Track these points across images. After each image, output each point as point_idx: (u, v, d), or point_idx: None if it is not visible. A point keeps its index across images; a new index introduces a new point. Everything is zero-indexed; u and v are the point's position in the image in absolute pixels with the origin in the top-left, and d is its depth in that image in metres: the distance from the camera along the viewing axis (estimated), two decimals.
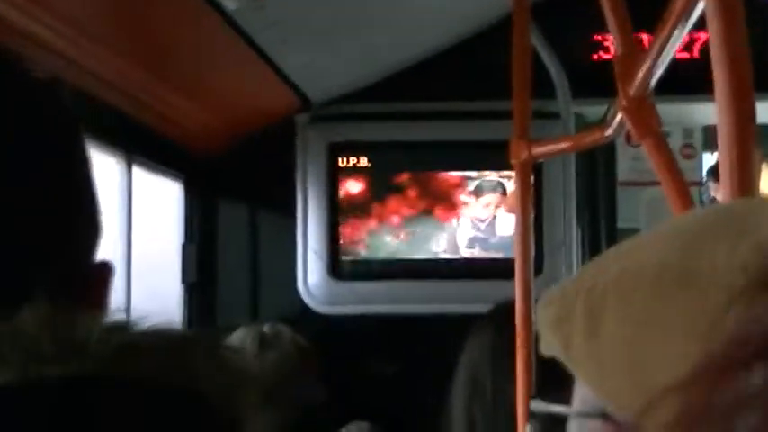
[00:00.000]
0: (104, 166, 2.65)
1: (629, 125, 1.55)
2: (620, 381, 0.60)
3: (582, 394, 0.66)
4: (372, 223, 3.31)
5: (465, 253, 3.31)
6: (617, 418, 0.61)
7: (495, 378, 2.11)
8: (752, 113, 0.92)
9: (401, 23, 2.91)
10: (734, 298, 0.53)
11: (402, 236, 3.31)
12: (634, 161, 3.56)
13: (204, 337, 0.72)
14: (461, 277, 3.30)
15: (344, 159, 3.30)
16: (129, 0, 2.07)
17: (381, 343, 3.35)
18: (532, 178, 2.28)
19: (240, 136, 3.21)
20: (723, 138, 0.92)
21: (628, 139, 3.40)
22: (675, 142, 3.60)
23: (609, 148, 3.51)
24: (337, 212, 3.31)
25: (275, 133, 3.26)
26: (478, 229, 3.30)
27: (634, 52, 1.50)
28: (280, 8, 2.34)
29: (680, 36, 1.20)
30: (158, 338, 0.69)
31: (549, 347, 0.66)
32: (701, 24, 1.08)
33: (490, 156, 3.19)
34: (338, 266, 3.31)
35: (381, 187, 3.31)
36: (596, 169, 3.63)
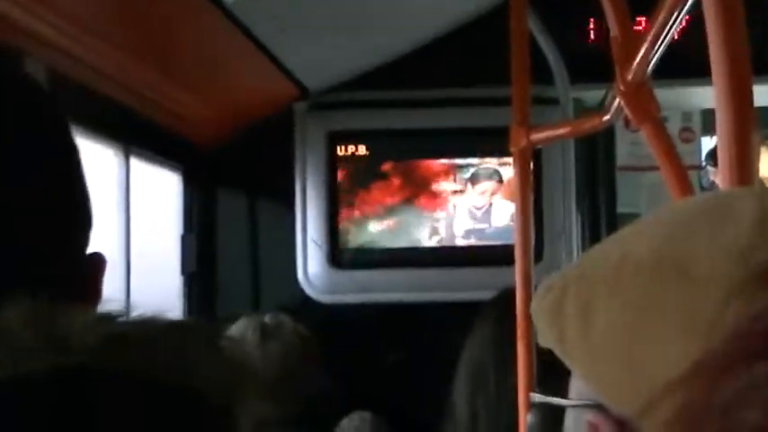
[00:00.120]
0: (103, 158, 2.64)
1: (627, 110, 1.54)
2: (612, 373, 0.59)
3: (577, 386, 0.66)
4: (356, 212, 3.31)
5: (461, 243, 3.31)
6: (612, 410, 0.61)
7: (498, 366, 2.11)
8: (750, 97, 0.91)
9: (398, 10, 2.90)
10: (733, 292, 0.53)
11: (386, 224, 3.30)
12: (633, 146, 3.55)
13: (195, 326, 0.71)
14: (463, 265, 3.29)
15: (343, 148, 3.29)
16: None
17: (382, 332, 3.35)
18: (531, 165, 2.28)
19: (238, 126, 3.20)
20: (722, 123, 0.92)
21: (627, 123, 3.39)
22: (674, 126, 3.59)
23: (608, 133, 3.50)
24: (337, 201, 3.30)
25: (274, 123, 3.26)
26: (475, 218, 3.30)
27: (631, 37, 1.49)
28: None
29: (678, 20, 1.19)
30: (145, 328, 0.69)
31: (546, 339, 0.66)
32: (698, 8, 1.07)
33: (489, 142, 3.18)
34: (338, 255, 3.31)
35: (368, 175, 3.30)
36: (596, 155, 3.62)
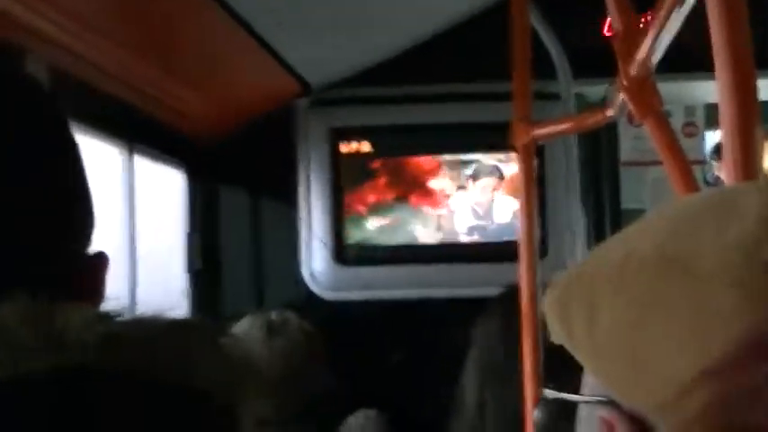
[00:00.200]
0: (107, 156, 2.64)
1: (630, 105, 1.54)
2: (619, 370, 0.59)
3: (590, 381, 0.66)
4: (357, 208, 3.31)
5: (464, 240, 3.31)
6: (624, 406, 0.61)
7: (507, 361, 2.11)
8: (754, 91, 0.91)
9: (400, 5, 2.90)
10: (739, 287, 0.53)
11: (386, 221, 3.30)
12: (636, 141, 3.54)
13: (196, 325, 0.71)
14: (467, 261, 3.29)
15: (345, 144, 3.29)
16: None
17: (387, 328, 3.35)
18: (535, 160, 2.27)
19: (241, 123, 3.20)
20: (725, 117, 0.92)
21: (630, 118, 3.38)
22: (677, 121, 3.59)
23: (611, 128, 3.50)
24: (341, 198, 3.30)
25: (276, 119, 3.26)
26: (477, 214, 3.30)
27: (634, 31, 1.48)
28: None
29: (682, 14, 1.19)
30: (145, 327, 0.68)
31: (557, 336, 0.66)
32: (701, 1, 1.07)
33: (492, 138, 3.18)
34: (343, 252, 3.31)
35: (369, 171, 3.30)
36: (599, 150, 3.62)
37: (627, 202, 3.61)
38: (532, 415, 2.00)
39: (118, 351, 0.66)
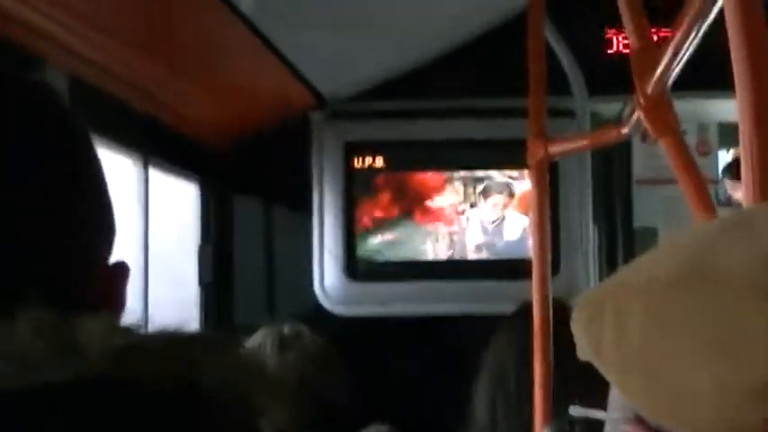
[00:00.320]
0: (121, 167, 2.65)
1: (646, 123, 1.54)
2: (647, 385, 0.60)
3: (616, 398, 0.66)
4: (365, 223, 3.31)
5: (474, 256, 3.31)
6: (650, 422, 0.61)
7: (520, 377, 2.11)
8: None
9: (416, 21, 2.91)
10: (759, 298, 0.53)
11: (393, 237, 3.31)
12: (650, 158, 3.54)
13: (213, 338, 0.71)
14: (477, 278, 3.29)
15: (360, 159, 3.29)
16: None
17: (398, 344, 3.35)
18: (548, 177, 2.27)
19: (255, 134, 3.20)
20: (745, 136, 0.92)
21: (643, 136, 3.38)
22: (691, 139, 3.58)
23: (624, 146, 3.49)
24: (353, 212, 3.30)
25: (290, 132, 3.26)
26: (486, 232, 3.30)
27: (651, 48, 1.49)
28: (294, 5, 2.34)
29: (699, 32, 1.19)
30: (163, 341, 0.69)
31: (584, 352, 0.66)
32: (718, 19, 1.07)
33: (506, 154, 3.18)
34: (354, 267, 3.31)
35: (368, 188, 3.31)
36: (612, 167, 3.61)
37: (639, 221, 3.61)
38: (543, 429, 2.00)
39: (137, 363, 0.66)
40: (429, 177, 3.30)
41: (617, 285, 0.64)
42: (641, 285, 0.61)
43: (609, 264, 3.58)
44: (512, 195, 3.30)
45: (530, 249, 3.18)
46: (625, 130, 1.76)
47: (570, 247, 3.23)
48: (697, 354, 0.55)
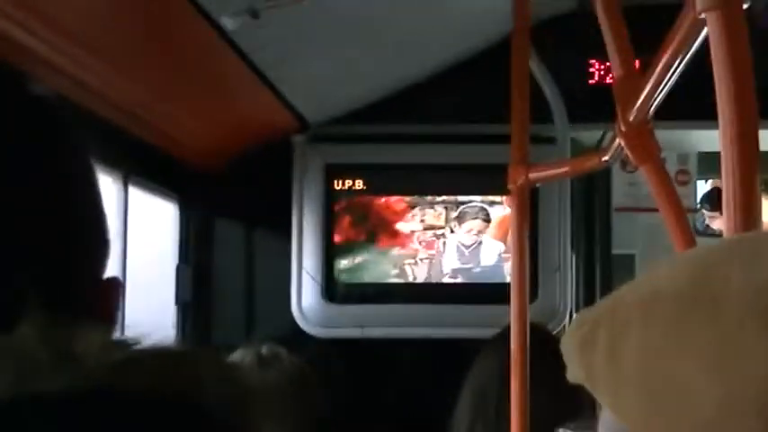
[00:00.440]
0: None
1: (627, 150, 1.55)
2: (641, 407, 0.60)
3: (607, 419, 0.66)
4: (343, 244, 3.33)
5: (450, 281, 3.31)
6: None
7: (501, 401, 2.12)
8: (756, 141, 0.92)
9: (400, 45, 2.92)
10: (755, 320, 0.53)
11: (352, 260, 3.32)
12: (630, 186, 3.56)
13: (208, 353, 0.72)
14: (455, 302, 3.29)
15: (340, 182, 3.29)
16: (128, 18, 2.07)
17: (376, 366, 3.34)
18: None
19: (237, 156, 3.21)
20: (728, 167, 0.92)
21: (623, 164, 3.40)
22: (670, 168, 3.60)
23: (605, 173, 3.51)
24: (333, 235, 3.30)
25: (271, 154, 3.26)
26: (463, 255, 3.30)
27: (634, 77, 1.50)
28: (278, 29, 2.34)
29: (682, 61, 1.20)
30: (162, 355, 0.69)
31: (575, 375, 0.66)
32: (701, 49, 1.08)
33: (486, 179, 3.19)
34: (332, 289, 3.31)
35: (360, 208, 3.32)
36: (592, 195, 3.63)
37: (618, 247, 3.62)
38: None
39: (135, 376, 0.66)
40: (394, 202, 3.31)
41: (612, 306, 0.64)
42: (638, 307, 0.61)
43: (587, 290, 3.59)
44: (487, 220, 3.30)
45: (506, 274, 3.20)
46: (606, 158, 1.77)
47: (549, 272, 3.24)
48: (697, 375, 0.55)
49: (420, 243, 3.30)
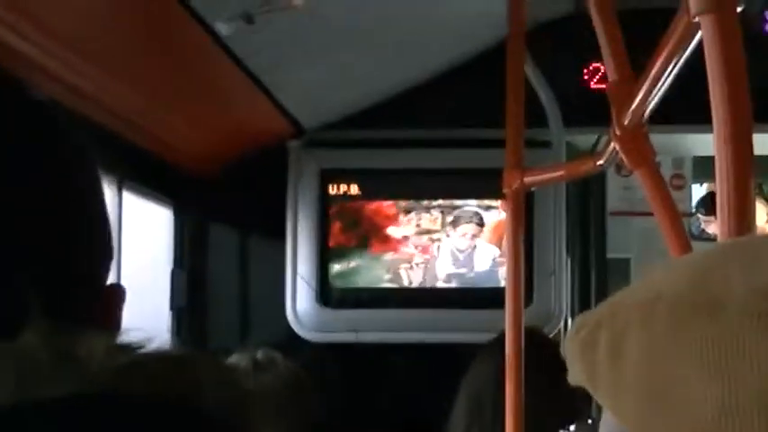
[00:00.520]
0: None
1: (622, 154, 1.55)
2: (642, 410, 0.60)
3: (608, 421, 0.66)
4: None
5: (444, 285, 3.31)
6: None
7: (497, 406, 2.12)
8: (750, 145, 0.92)
9: (394, 50, 2.92)
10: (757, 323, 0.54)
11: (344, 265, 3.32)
12: (625, 191, 3.56)
13: (207, 357, 0.72)
14: (450, 306, 3.29)
15: (335, 186, 3.29)
16: (122, 23, 2.07)
17: (370, 371, 3.34)
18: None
19: (232, 161, 3.20)
20: (722, 171, 0.92)
21: (618, 168, 3.41)
22: (665, 172, 3.60)
23: (600, 178, 3.52)
24: (327, 240, 3.30)
25: (267, 159, 3.26)
26: (457, 260, 3.30)
27: (629, 81, 1.50)
28: (273, 34, 2.34)
29: (677, 65, 1.20)
30: (165, 360, 0.69)
31: (576, 377, 0.66)
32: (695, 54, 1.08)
33: (481, 184, 3.19)
34: (327, 294, 3.31)
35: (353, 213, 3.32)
36: (587, 199, 3.63)
37: (613, 251, 3.63)
38: None
39: (138, 380, 0.66)
40: (385, 207, 3.31)
41: (612, 309, 0.64)
42: (638, 309, 0.61)
43: (582, 294, 3.59)
44: (481, 225, 3.30)
45: (500, 279, 3.20)
46: (601, 162, 1.77)
47: (544, 276, 3.24)
48: (698, 377, 0.55)
49: (416, 248, 3.30)
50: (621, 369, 0.61)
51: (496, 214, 3.26)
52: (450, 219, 3.30)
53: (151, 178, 2.97)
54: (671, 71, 1.23)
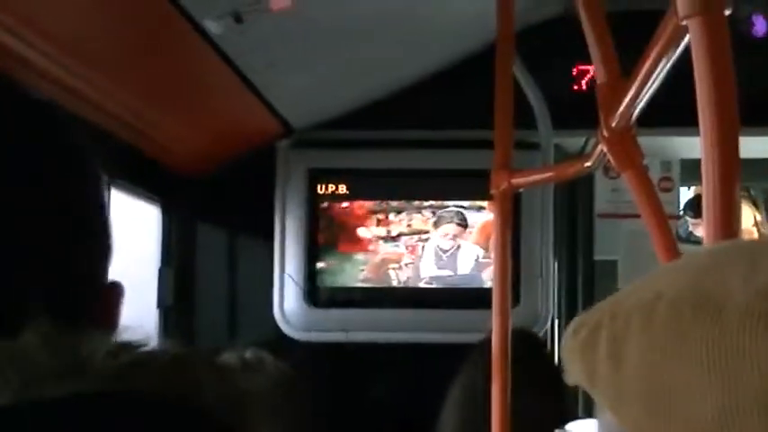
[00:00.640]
0: None
1: (610, 156, 1.55)
2: (642, 411, 0.60)
3: (606, 422, 0.66)
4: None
5: (428, 285, 3.31)
6: None
7: (487, 406, 2.12)
8: (736, 148, 0.92)
9: (384, 51, 2.92)
10: (755, 324, 0.54)
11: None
12: (612, 193, 3.57)
13: (205, 355, 0.72)
14: (438, 306, 3.29)
15: (323, 186, 3.30)
16: (111, 21, 2.07)
17: (358, 370, 3.34)
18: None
19: (221, 160, 3.20)
20: (708, 173, 0.93)
21: (606, 170, 3.41)
22: (653, 175, 3.60)
23: (587, 180, 3.52)
24: (316, 239, 3.30)
25: (255, 158, 3.26)
26: (440, 260, 3.30)
27: (617, 82, 1.50)
28: (263, 34, 2.34)
29: (664, 68, 1.20)
30: (165, 358, 0.69)
31: (575, 377, 0.67)
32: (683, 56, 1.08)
33: (469, 184, 3.19)
34: (315, 293, 3.31)
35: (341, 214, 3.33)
36: (575, 201, 3.64)
37: (600, 253, 3.63)
38: None
39: (140, 379, 0.67)
40: (356, 207, 3.32)
41: (611, 310, 0.65)
42: (638, 310, 0.62)
43: (569, 295, 3.60)
44: (463, 225, 3.30)
45: (484, 280, 3.20)
46: (588, 164, 1.77)
47: (531, 278, 3.24)
48: (698, 377, 0.56)
49: (406, 248, 3.31)
50: (622, 369, 0.61)
51: (485, 215, 3.27)
52: (433, 219, 3.31)
53: (139, 176, 2.97)
54: (659, 74, 1.23)
